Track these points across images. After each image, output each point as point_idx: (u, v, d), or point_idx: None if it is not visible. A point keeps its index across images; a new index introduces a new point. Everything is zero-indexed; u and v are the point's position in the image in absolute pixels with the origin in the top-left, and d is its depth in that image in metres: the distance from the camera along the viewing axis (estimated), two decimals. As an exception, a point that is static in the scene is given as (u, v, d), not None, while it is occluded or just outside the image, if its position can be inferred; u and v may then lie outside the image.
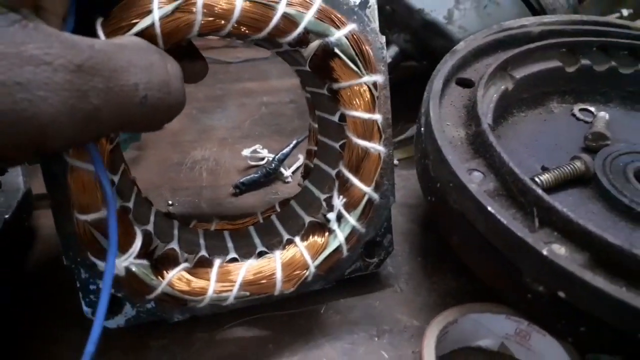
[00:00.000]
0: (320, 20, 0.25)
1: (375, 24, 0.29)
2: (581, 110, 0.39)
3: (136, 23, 0.22)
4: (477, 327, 0.30)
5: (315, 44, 0.26)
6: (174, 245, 0.30)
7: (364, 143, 0.28)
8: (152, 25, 0.22)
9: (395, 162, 0.46)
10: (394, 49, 0.49)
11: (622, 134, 0.37)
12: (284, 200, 0.36)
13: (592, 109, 0.39)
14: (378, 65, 0.28)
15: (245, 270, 0.29)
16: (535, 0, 0.43)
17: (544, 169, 0.32)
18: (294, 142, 0.47)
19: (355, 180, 0.29)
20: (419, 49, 0.48)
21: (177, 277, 0.27)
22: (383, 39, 0.29)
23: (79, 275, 0.27)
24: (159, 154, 0.47)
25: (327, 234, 0.30)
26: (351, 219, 0.30)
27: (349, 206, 0.30)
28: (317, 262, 0.30)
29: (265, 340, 0.31)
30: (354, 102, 0.28)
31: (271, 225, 0.35)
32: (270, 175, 0.45)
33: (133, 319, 0.29)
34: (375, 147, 0.28)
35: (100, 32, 0.22)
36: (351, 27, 0.26)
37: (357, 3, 0.28)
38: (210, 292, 0.28)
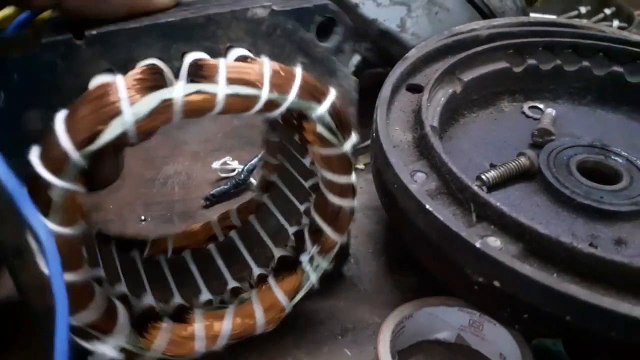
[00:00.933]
0: (303, 98, 0.25)
1: (348, 69, 0.29)
2: (531, 107, 0.41)
3: (101, 131, 0.20)
4: (433, 320, 0.32)
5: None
6: (149, 300, 0.30)
7: (339, 202, 0.28)
8: (125, 134, 0.20)
9: (362, 166, 0.48)
10: (356, 58, 0.51)
11: (569, 129, 0.38)
12: (240, 207, 0.37)
13: (541, 106, 0.41)
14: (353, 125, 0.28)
15: (229, 322, 0.29)
16: (484, 5, 0.45)
17: (492, 166, 0.34)
18: (263, 152, 0.48)
19: (330, 232, 0.30)
20: (379, 57, 0.50)
21: (165, 341, 0.28)
22: (355, 82, 0.29)
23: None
24: (133, 170, 0.49)
25: (299, 272, 0.31)
26: (324, 263, 0.31)
27: (322, 252, 0.30)
28: (293, 302, 0.31)
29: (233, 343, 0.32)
30: (331, 166, 0.27)
31: (234, 247, 0.35)
32: (240, 186, 0.46)
33: None
34: (351, 203, 0.29)
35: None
36: (332, 98, 0.26)
37: (330, 48, 0.28)
38: (197, 349, 0.28)
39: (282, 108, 0.24)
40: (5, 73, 0.22)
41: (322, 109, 0.25)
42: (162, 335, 0.27)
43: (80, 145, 0.20)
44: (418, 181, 0.29)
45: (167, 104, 0.21)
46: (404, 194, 0.28)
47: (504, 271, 0.24)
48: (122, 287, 0.29)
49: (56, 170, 0.20)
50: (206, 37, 0.25)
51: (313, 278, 0.31)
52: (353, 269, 0.38)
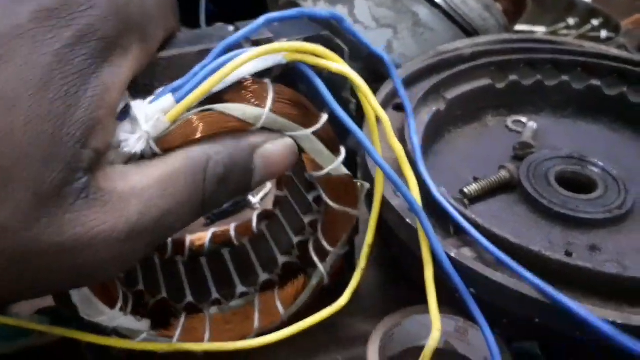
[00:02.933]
0: (282, 115, 0.26)
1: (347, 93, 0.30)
2: (514, 121, 0.42)
3: None
4: (421, 328, 0.33)
5: None
6: (164, 295, 0.34)
7: (341, 211, 0.31)
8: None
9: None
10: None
11: (550, 141, 0.40)
12: (262, 214, 0.39)
13: (524, 119, 0.42)
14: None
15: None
16: (467, 24, 0.47)
17: (475, 180, 0.36)
18: (261, 171, 0.51)
19: (332, 250, 0.32)
20: (371, 76, 0.52)
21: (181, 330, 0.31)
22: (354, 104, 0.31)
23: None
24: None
25: (300, 281, 0.34)
26: (323, 272, 0.33)
27: (322, 261, 0.33)
28: (289, 313, 0.33)
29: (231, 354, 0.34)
30: (329, 191, 0.30)
31: (246, 255, 0.38)
32: (240, 204, 0.48)
33: None
34: (353, 211, 0.31)
35: None
36: (322, 121, 0.27)
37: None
38: (205, 341, 0.32)
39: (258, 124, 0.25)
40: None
41: (307, 131, 0.27)
42: (178, 332, 0.31)
43: None
44: (400, 197, 0.31)
45: None
46: (387, 209, 0.30)
47: (479, 279, 0.26)
48: (140, 287, 0.32)
49: None
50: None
51: (313, 284, 0.33)
52: (347, 280, 0.39)
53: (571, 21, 0.70)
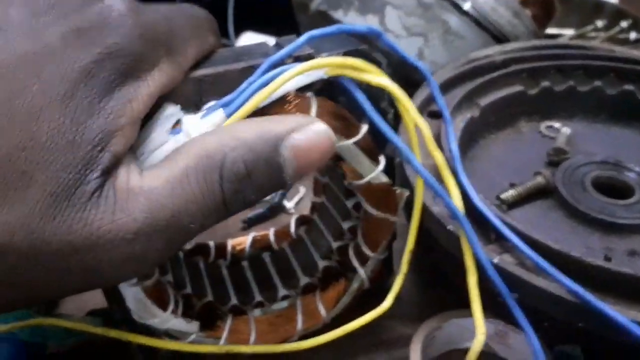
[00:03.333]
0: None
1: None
2: (547, 127, 0.43)
3: None
4: (462, 331, 0.34)
5: None
6: (210, 298, 0.35)
7: (381, 218, 0.32)
8: None
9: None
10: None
11: (584, 146, 0.40)
12: (300, 219, 0.40)
13: (558, 125, 0.43)
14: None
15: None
16: (496, 31, 0.47)
17: (512, 185, 0.37)
18: (295, 177, 0.52)
19: (372, 255, 0.33)
20: (402, 83, 0.53)
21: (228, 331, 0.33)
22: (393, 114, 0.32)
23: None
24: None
25: (341, 284, 0.35)
26: (364, 276, 0.34)
27: (362, 265, 0.34)
28: (330, 315, 0.35)
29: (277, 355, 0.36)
30: (369, 199, 0.31)
31: (286, 259, 0.39)
32: (275, 209, 0.50)
33: None
34: (393, 218, 0.32)
35: None
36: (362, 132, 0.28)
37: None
38: (251, 342, 0.33)
39: None
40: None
41: (349, 142, 0.28)
42: (226, 332, 0.33)
43: None
44: (439, 204, 0.31)
45: None
46: (427, 216, 0.30)
47: (521, 284, 0.26)
48: (187, 290, 0.34)
49: None
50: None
51: (353, 289, 0.34)
52: (385, 284, 0.40)
53: (599, 23, 0.69)
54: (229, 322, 0.34)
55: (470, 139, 0.40)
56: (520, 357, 0.33)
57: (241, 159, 0.21)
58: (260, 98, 0.24)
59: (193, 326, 0.32)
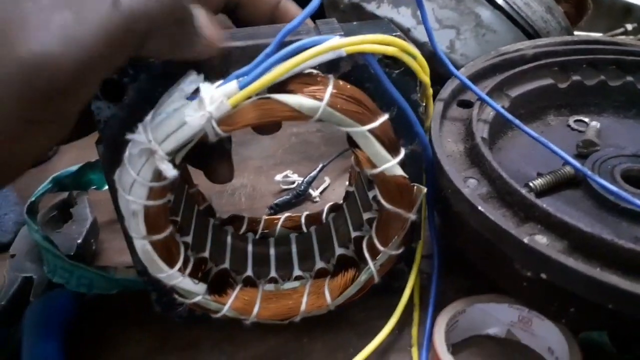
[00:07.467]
0: (339, 111, 0.27)
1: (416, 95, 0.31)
2: (576, 121, 0.43)
3: None
4: (485, 316, 0.34)
5: None
6: (226, 265, 0.36)
7: (394, 212, 0.31)
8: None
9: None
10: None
11: (613, 140, 0.40)
12: (332, 206, 0.41)
13: (586, 119, 0.43)
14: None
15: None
16: (529, 26, 0.47)
17: (539, 175, 0.37)
18: (320, 166, 0.53)
19: (383, 249, 0.33)
20: (431, 76, 0.53)
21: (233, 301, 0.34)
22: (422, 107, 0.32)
23: (148, 283, 0.33)
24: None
25: (349, 274, 0.35)
26: (373, 269, 0.34)
27: (373, 258, 0.34)
28: (335, 303, 0.35)
29: (300, 334, 0.36)
30: (384, 191, 0.31)
31: (309, 242, 0.40)
32: (301, 197, 0.50)
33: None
34: (406, 214, 0.31)
35: None
36: (381, 120, 0.28)
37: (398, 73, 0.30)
38: (254, 314, 0.34)
39: (315, 117, 0.26)
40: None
41: (364, 129, 0.27)
42: (233, 297, 0.34)
43: None
44: (470, 186, 0.32)
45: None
46: (457, 198, 0.31)
47: (551, 264, 0.26)
48: (205, 254, 0.35)
49: None
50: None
51: (363, 278, 0.34)
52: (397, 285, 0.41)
53: (629, 26, 0.69)
54: (237, 290, 0.34)
55: (499, 129, 0.40)
56: (543, 344, 0.33)
57: None
58: (275, 76, 0.25)
59: (200, 288, 0.33)
